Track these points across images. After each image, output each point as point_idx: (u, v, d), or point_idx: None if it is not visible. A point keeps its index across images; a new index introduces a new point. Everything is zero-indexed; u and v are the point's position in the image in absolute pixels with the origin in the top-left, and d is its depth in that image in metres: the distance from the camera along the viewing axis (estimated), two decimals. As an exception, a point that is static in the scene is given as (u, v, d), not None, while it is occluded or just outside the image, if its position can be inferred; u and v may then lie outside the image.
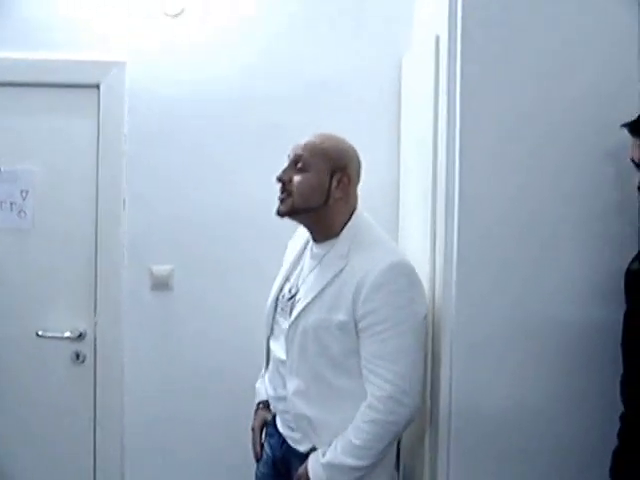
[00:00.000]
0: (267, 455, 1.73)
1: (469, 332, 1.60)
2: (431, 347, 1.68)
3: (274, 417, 1.72)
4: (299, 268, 1.70)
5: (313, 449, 1.56)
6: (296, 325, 1.57)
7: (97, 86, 2.21)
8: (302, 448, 1.59)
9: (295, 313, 1.58)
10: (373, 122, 2.21)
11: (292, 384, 1.58)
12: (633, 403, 1.42)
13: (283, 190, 1.60)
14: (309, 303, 1.56)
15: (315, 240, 1.66)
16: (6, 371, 2.27)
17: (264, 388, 1.78)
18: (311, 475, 1.52)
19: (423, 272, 1.67)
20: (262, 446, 1.76)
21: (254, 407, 1.82)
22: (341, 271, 1.55)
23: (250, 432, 1.79)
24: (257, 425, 1.78)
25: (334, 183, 1.58)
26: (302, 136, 1.64)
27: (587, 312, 1.61)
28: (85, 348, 2.27)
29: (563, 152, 1.61)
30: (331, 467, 1.50)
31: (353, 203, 1.63)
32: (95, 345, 2.26)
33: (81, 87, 2.22)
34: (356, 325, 1.51)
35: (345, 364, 1.54)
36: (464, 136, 1.60)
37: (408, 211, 2.09)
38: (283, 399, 1.63)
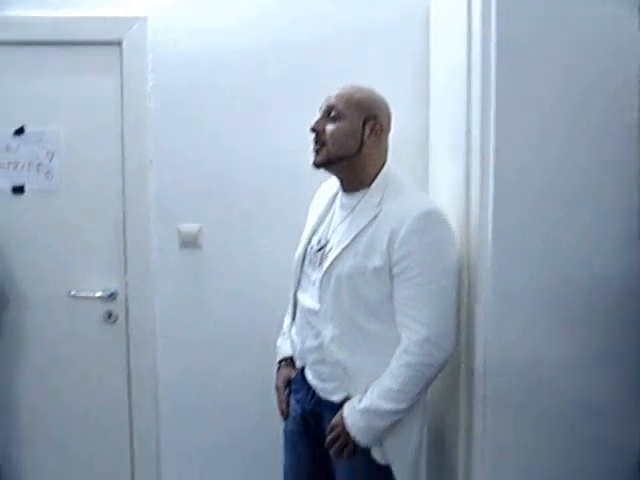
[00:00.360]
0: (295, 411, 1.73)
1: (504, 284, 1.55)
2: (466, 298, 1.65)
3: (301, 372, 1.72)
4: (327, 220, 1.70)
5: (347, 399, 1.56)
6: (330, 273, 1.57)
7: (119, 43, 2.18)
8: (335, 398, 1.59)
9: (328, 261, 1.58)
10: (401, 69, 2.14)
11: (328, 331, 1.58)
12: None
13: (317, 140, 1.61)
14: (343, 250, 1.56)
15: (345, 191, 1.66)
16: (40, 332, 2.31)
17: (288, 344, 1.79)
18: (348, 422, 1.53)
19: (456, 221, 1.64)
20: (288, 404, 1.76)
21: (276, 366, 1.82)
22: (375, 218, 1.55)
23: (275, 392, 1.80)
24: (281, 383, 1.78)
25: (367, 131, 1.59)
26: (329, 85, 1.63)
27: (626, 264, 1.56)
28: (117, 307, 2.29)
29: (607, 104, 1.54)
30: (368, 412, 1.51)
31: (384, 154, 1.64)
32: (127, 304, 2.28)
33: (103, 44, 2.20)
34: (390, 270, 1.52)
35: (379, 310, 1.55)
36: (499, 82, 1.52)
37: (439, 161, 2.04)
38: (314, 350, 1.63)
